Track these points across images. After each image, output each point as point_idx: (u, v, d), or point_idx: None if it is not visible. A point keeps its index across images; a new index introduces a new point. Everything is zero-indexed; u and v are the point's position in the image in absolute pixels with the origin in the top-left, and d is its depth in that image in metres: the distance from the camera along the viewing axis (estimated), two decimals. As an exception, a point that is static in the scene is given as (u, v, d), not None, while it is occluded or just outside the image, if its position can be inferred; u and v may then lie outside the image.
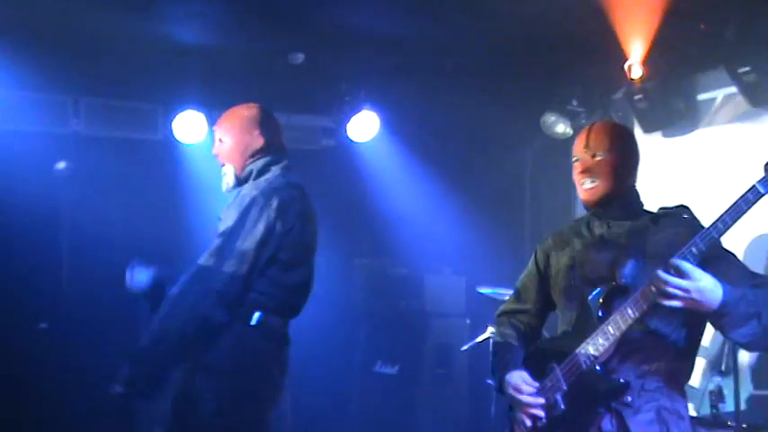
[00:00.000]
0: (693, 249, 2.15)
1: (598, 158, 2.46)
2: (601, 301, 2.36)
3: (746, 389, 3.62)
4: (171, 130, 5.55)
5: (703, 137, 4.89)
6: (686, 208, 2.49)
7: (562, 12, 4.43)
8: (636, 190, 2.54)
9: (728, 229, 2.15)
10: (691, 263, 2.12)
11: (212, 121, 5.58)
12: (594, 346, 2.32)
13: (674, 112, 4.86)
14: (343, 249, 5.71)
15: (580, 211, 5.73)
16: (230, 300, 2.91)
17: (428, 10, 4.58)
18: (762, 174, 2.13)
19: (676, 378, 2.38)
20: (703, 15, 4.31)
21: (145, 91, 5.54)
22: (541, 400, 2.41)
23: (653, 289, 2.16)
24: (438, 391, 5.61)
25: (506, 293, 4.41)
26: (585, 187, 2.48)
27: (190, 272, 2.94)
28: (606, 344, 2.29)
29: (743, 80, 4.33)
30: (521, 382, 2.47)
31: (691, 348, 2.40)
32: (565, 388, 2.39)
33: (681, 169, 4.91)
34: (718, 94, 4.74)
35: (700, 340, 2.43)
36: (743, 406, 3.45)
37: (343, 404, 5.72)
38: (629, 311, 2.25)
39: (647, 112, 4.88)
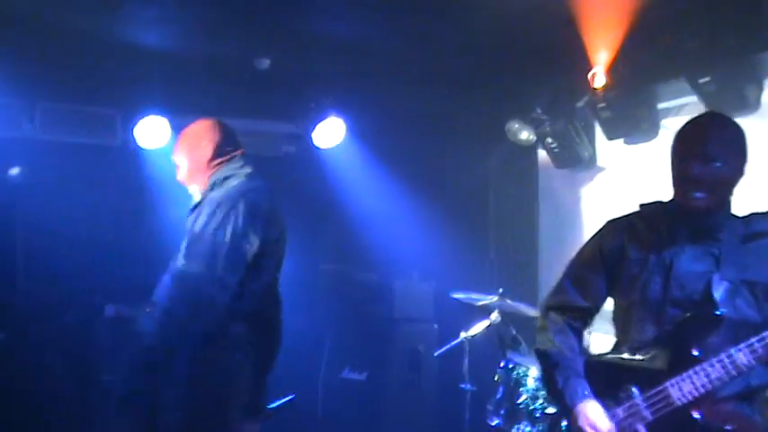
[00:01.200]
0: None
1: (716, 166, 2.22)
2: (694, 333, 2.19)
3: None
4: (130, 136, 5.43)
5: (664, 144, 4.98)
6: None
7: (528, 20, 4.48)
8: (731, 200, 2.34)
9: None
10: None
11: (175, 126, 5.51)
12: (693, 386, 2.15)
13: (636, 121, 4.94)
14: (310, 256, 5.68)
15: (543, 217, 5.86)
16: (220, 306, 2.94)
17: (395, 17, 4.59)
18: None
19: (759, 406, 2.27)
20: (666, 26, 4.40)
21: (104, 96, 5.43)
22: None
23: None
24: (407, 396, 5.60)
25: (479, 299, 4.45)
26: (693, 196, 2.24)
27: (173, 281, 2.95)
28: (707, 387, 2.15)
29: (703, 90, 4.43)
30: (598, 419, 2.26)
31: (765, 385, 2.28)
32: (650, 419, 2.24)
33: (642, 175, 5.00)
34: (680, 103, 4.84)
35: None
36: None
37: (310, 411, 5.67)
38: (744, 360, 2.10)
39: (610, 120, 4.96)
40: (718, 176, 2.23)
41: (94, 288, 5.23)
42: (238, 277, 2.96)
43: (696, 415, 2.16)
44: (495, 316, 4.38)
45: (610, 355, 2.42)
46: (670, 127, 4.94)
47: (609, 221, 2.51)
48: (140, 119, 5.36)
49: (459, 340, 4.53)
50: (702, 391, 2.15)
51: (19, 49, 4.72)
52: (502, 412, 4.02)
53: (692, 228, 2.29)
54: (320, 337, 5.83)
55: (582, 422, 2.28)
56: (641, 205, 2.47)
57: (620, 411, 2.28)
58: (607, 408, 2.29)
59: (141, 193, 5.54)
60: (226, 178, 3.14)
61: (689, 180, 2.25)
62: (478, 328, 4.49)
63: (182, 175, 3.26)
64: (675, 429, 2.19)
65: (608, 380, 2.30)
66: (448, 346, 4.63)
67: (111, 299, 5.24)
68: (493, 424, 4.07)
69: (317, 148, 5.71)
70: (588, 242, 2.51)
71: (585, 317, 2.48)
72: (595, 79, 4.73)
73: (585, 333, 2.52)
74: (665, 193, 4.80)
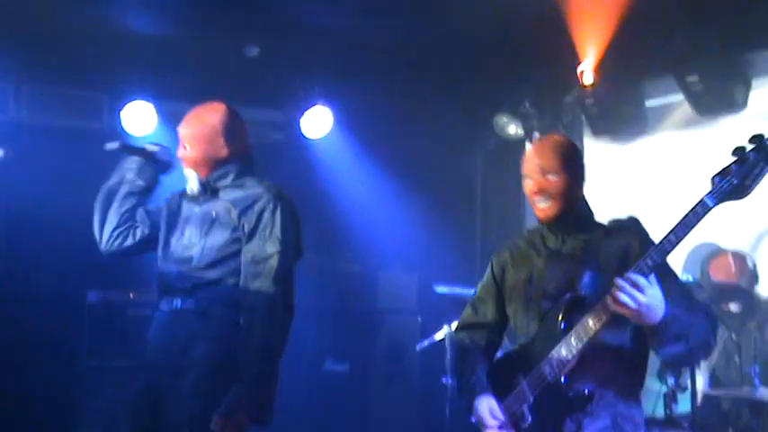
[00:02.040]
0: (649, 262, 2.24)
1: (550, 178, 2.52)
2: (562, 313, 2.44)
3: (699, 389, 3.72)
4: (117, 120, 5.39)
5: (651, 143, 5.02)
6: (636, 220, 2.60)
7: (517, 14, 4.48)
8: (587, 203, 2.63)
9: (680, 241, 2.25)
10: (646, 276, 2.22)
11: (161, 112, 5.47)
12: (558, 359, 2.39)
13: (624, 118, 4.97)
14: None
15: (530, 211, 5.87)
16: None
17: (385, 8, 4.58)
18: (709, 186, 2.23)
19: (631, 385, 2.49)
20: (654, 24, 4.41)
21: (90, 79, 5.38)
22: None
23: (609, 298, 2.24)
24: (389, 388, 5.61)
25: (463, 292, 4.45)
26: (540, 206, 2.56)
27: (261, 292, 2.92)
28: (569, 355, 2.37)
29: (690, 88, 4.46)
30: (488, 413, 2.52)
31: (643, 357, 2.50)
32: (531, 400, 2.46)
33: (628, 174, 5.03)
34: (666, 102, 4.86)
35: (649, 350, 2.50)
36: (690, 406, 3.57)
37: (292, 402, 5.64)
38: (591, 323, 2.33)
39: (597, 116, 4.99)
40: (554, 184, 2.52)
41: (78, 273, 5.19)
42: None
43: (562, 380, 2.39)
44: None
45: (505, 354, 2.73)
46: (658, 125, 4.98)
47: (499, 250, 2.85)
48: (126, 103, 5.32)
49: (440, 335, 4.54)
50: (568, 359, 2.38)
51: (4, 31, 4.67)
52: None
53: (557, 233, 2.59)
54: (303, 328, 5.79)
55: (477, 415, 2.56)
56: (527, 230, 2.82)
57: (510, 399, 2.53)
58: (501, 400, 2.55)
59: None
60: (238, 177, 3.07)
61: (532, 193, 2.57)
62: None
63: (186, 157, 3.10)
64: (551, 402, 2.42)
65: (504, 375, 2.58)
66: (429, 340, 4.64)
67: (95, 284, 5.21)
68: (474, 419, 4.08)
69: (305, 136, 5.70)
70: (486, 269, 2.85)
71: (488, 332, 2.76)
72: (583, 76, 4.74)
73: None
74: (650, 189, 4.85)
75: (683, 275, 2.68)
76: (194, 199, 3.13)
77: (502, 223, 6.09)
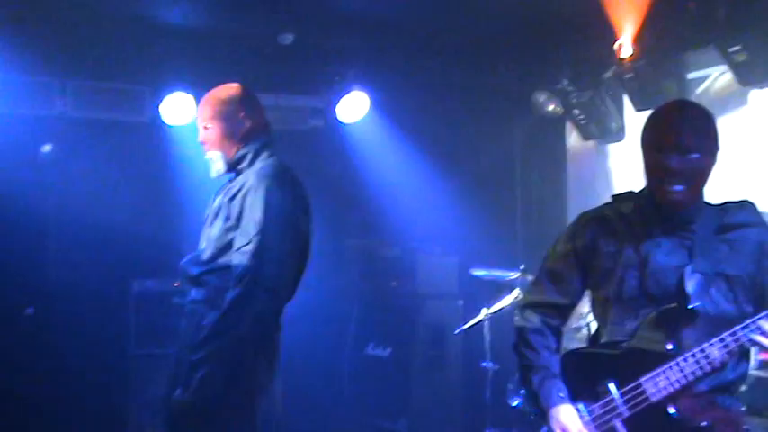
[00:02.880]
0: None
1: (692, 158, 2.16)
2: (669, 329, 2.17)
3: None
4: (158, 112, 5.49)
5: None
6: (753, 206, 2.28)
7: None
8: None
9: None
10: None
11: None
12: (668, 381, 2.14)
13: (665, 91, 4.83)
14: (333, 231, 5.68)
15: (571, 190, 5.78)
16: (281, 297, 2.95)
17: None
18: None
19: (738, 415, 2.28)
20: (693, -6, 4.28)
21: (132, 73, 5.47)
22: None
23: (758, 337, 2.01)
24: (431, 372, 5.56)
25: (501, 275, 4.39)
26: (672, 190, 2.17)
27: (237, 275, 2.87)
28: (682, 382, 2.13)
29: (733, 59, 4.31)
30: (570, 422, 2.24)
31: (744, 371, 2.29)
32: (626, 415, 2.21)
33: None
34: (709, 73, 4.72)
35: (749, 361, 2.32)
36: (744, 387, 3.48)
37: (335, 387, 5.71)
38: (717, 355, 2.08)
39: (638, 90, 4.86)
40: (696, 168, 2.18)
41: (122, 263, 5.32)
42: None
43: (672, 410, 2.14)
44: (516, 293, 4.32)
45: (588, 350, 2.41)
46: (701, 97, 4.84)
47: (581, 215, 2.46)
48: (166, 94, 5.40)
49: (479, 318, 4.49)
50: (677, 386, 2.13)
51: (49, 28, 4.79)
52: (522, 392, 3.97)
53: (666, 220, 2.25)
54: (345, 313, 5.84)
55: (554, 426, 2.28)
56: (614, 196, 2.42)
57: (597, 407, 2.26)
58: (585, 404, 2.28)
59: (169, 169, 5.60)
60: (257, 154, 3.05)
61: (667, 172, 2.18)
62: (501, 304, 4.44)
63: (208, 138, 3.09)
64: (652, 425, 2.17)
65: (586, 375, 2.28)
66: (467, 324, 4.59)
67: (139, 274, 5.33)
68: (513, 404, 4.04)
69: (342, 122, 5.71)
70: (561, 236, 2.46)
71: (563, 313, 2.44)
72: (622, 50, 4.63)
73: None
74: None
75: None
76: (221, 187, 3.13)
77: (542, 204, 6.00)
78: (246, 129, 3.07)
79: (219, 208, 3.03)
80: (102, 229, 5.23)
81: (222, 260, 2.97)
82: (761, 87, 4.37)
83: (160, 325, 5.06)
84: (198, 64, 5.28)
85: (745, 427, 2.27)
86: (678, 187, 2.17)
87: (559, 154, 5.80)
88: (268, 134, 3.16)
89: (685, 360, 2.11)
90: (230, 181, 3.11)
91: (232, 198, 2.98)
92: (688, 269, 2.16)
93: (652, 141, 2.22)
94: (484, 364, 4.56)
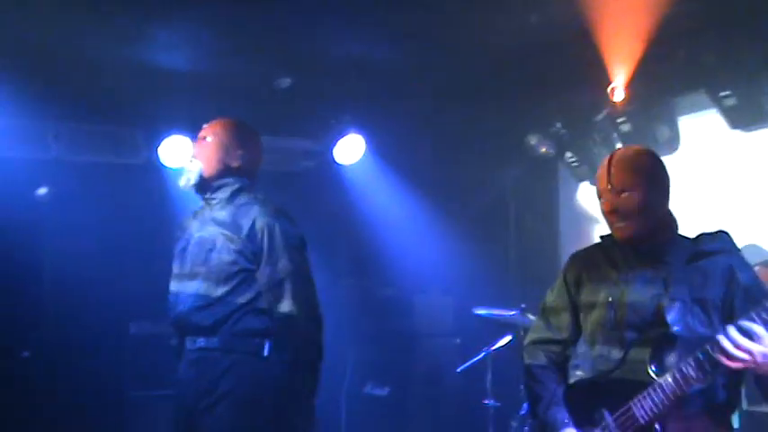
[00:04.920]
0: (764, 315, 2.07)
1: (624, 197, 2.34)
2: (651, 353, 2.27)
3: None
4: (153, 154, 5.51)
5: (685, 158, 4.99)
6: (726, 234, 2.40)
7: (546, 35, 4.50)
8: (671, 215, 2.44)
9: None
10: (758, 323, 2.07)
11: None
12: (653, 403, 2.23)
13: (656, 134, 4.95)
14: (329, 271, 5.68)
15: (564, 231, 5.86)
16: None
17: (412, 35, 4.63)
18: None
19: (724, 425, 2.34)
20: (684, 40, 4.41)
21: (126, 115, 5.51)
22: None
23: (718, 351, 2.10)
24: (430, 412, 5.57)
25: (502, 313, 4.45)
26: (617, 226, 2.38)
27: (289, 312, 2.93)
28: (665, 402, 2.21)
29: (723, 103, 4.44)
30: None
31: (732, 398, 2.35)
32: None
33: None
34: (699, 117, 4.84)
35: (740, 388, 2.40)
36: (737, 423, 3.53)
37: (333, 428, 5.67)
38: (692, 373, 2.16)
39: (630, 133, 4.97)
40: (630, 204, 2.35)
41: (119, 305, 5.28)
42: None
43: (657, 427, 2.24)
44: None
45: (583, 381, 2.52)
46: (689, 140, 4.96)
47: (572, 254, 2.65)
48: (163, 137, 5.44)
49: (481, 356, 4.53)
50: (661, 407, 2.22)
51: (43, 72, 4.81)
52: (526, 429, 4.00)
53: (640, 254, 2.40)
54: (342, 353, 5.83)
55: None
56: (601, 237, 2.58)
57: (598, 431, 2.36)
58: (585, 430, 2.38)
59: (165, 210, 5.59)
60: (237, 193, 3.06)
61: (607, 213, 2.40)
62: (501, 343, 4.47)
63: (201, 147, 3.13)
64: None
65: (583, 405, 2.41)
66: (470, 362, 4.62)
67: (136, 316, 5.29)
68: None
69: (338, 163, 5.76)
70: (557, 278, 2.64)
71: (563, 348, 2.58)
72: (614, 94, 4.74)
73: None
74: (687, 205, 4.81)
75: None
76: (191, 225, 3.12)
77: (536, 244, 6.06)
78: (238, 164, 3.08)
79: (214, 240, 2.96)
80: (98, 271, 5.21)
81: (232, 301, 2.92)
82: (750, 130, 4.49)
83: (157, 367, 5.01)
84: (193, 107, 5.30)
85: None
86: (620, 224, 2.36)
87: (552, 195, 5.89)
88: (253, 180, 3.16)
89: (666, 381, 2.22)
90: (204, 211, 3.09)
91: (246, 232, 2.94)
92: (666, 298, 2.29)
93: (596, 190, 2.47)
94: (486, 401, 4.57)
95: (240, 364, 2.90)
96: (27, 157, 5.40)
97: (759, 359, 2.06)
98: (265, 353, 2.91)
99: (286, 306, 2.90)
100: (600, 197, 2.42)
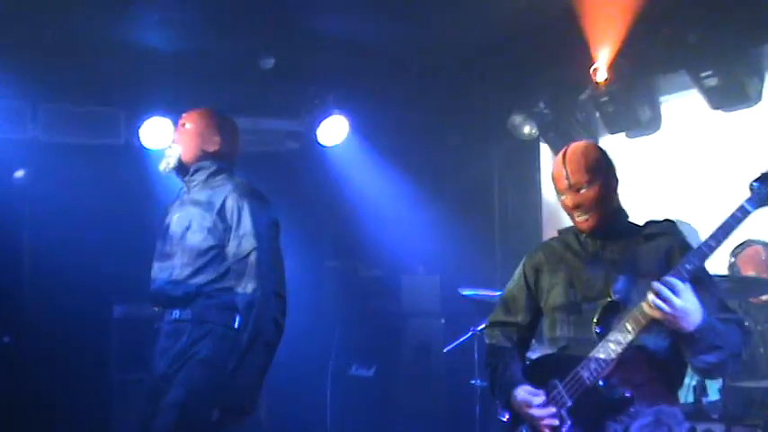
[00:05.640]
0: (687, 266, 2.27)
1: (583, 192, 2.54)
2: (597, 317, 2.44)
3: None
4: (134, 135, 5.45)
5: (666, 138, 5.03)
6: (672, 223, 2.60)
7: (529, 15, 4.51)
8: (621, 206, 2.64)
9: (719, 245, 2.27)
10: (683, 280, 2.24)
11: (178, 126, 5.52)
12: (596, 363, 2.40)
13: (638, 114, 4.98)
14: (313, 253, 5.70)
15: (546, 210, 5.89)
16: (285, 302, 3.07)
17: (396, 15, 4.62)
18: (746, 191, 2.27)
19: (671, 385, 2.50)
20: (667, 20, 4.43)
21: (107, 95, 5.44)
22: (553, 410, 2.47)
23: (646, 302, 2.26)
24: (416, 392, 5.60)
25: (487, 294, 4.48)
26: (579, 220, 2.57)
27: (248, 284, 2.99)
28: (608, 359, 2.38)
29: (704, 84, 4.47)
30: (529, 396, 2.52)
31: (680, 358, 2.47)
32: (570, 404, 2.46)
33: (644, 171, 5.04)
34: (680, 97, 4.87)
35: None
36: (720, 397, 3.61)
37: (319, 409, 5.69)
38: (629, 327, 2.35)
39: (612, 114, 5.00)
40: (589, 198, 2.55)
41: (101, 289, 5.24)
42: None
43: (600, 383, 2.39)
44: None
45: (538, 358, 2.71)
46: (670, 119, 5.00)
47: (532, 249, 2.84)
48: (144, 118, 5.37)
49: (468, 335, 4.56)
50: (604, 365, 2.38)
51: (22, 51, 4.73)
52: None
53: (594, 239, 2.60)
54: (327, 335, 5.84)
55: (517, 404, 2.55)
56: (559, 231, 2.80)
57: (548, 401, 2.51)
58: (540, 405, 2.52)
59: (145, 192, 5.54)
60: (215, 174, 3.21)
61: (570, 209, 2.59)
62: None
63: (181, 133, 3.29)
64: (590, 406, 2.42)
65: (539, 379, 2.56)
66: (457, 342, 4.66)
67: (119, 299, 5.25)
68: (504, 419, 4.09)
69: (321, 144, 5.74)
70: (517, 268, 2.83)
71: (520, 331, 2.78)
72: (597, 74, 4.76)
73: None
74: (667, 185, 4.85)
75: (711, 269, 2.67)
76: (173, 207, 3.25)
77: (519, 224, 6.10)
78: (215, 149, 3.25)
79: (189, 224, 3.10)
80: (80, 253, 5.15)
81: (206, 275, 3.04)
82: (731, 111, 4.54)
83: (142, 350, 4.98)
84: (176, 87, 5.27)
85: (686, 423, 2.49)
86: (583, 217, 2.57)
87: (534, 176, 5.92)
88: (230, 164, 3.30)
89: (608, 340, 2.39)
90: (184, 193, 3.25)
91: (217, 210, 3.07)
92: (613, 274, 2.50)
93: (553, 187, 2.68)
94: (473, 381, 4.61)
95: (212, 334, 3.01)
96: (4, 137, 5.30)
97: (678, 313, 2.21)
98: (236, 325, 3.02)
99: (247, 283, 2.99)
100: (560, 194, 2.62)
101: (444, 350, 4.84)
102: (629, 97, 4.93)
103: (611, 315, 2.42)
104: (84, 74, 5.12)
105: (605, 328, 2.42)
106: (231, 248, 3.03)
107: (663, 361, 2.44)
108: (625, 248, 2.54)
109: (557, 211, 5.77)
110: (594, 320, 2.44)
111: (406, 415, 5.59)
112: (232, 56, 5.08)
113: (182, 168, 3.25)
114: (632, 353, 2.38)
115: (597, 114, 5.17)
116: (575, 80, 5.11)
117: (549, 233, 5.75)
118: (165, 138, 5.38)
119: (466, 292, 4.57)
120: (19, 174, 5.49)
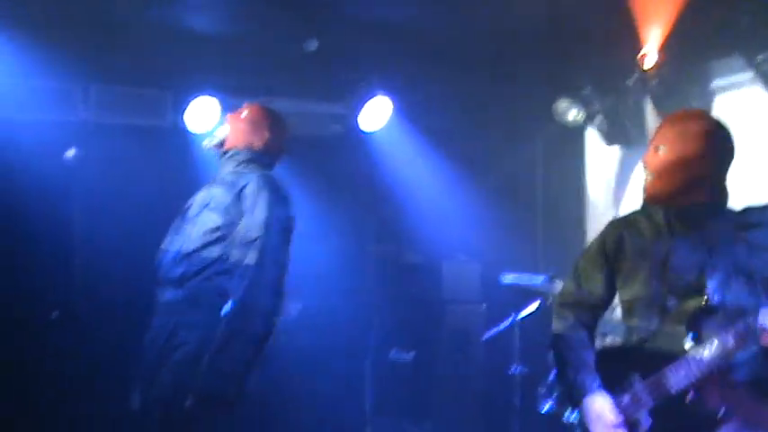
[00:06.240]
0: None
1: (659, 153, 2.35)
2: (690, 322, 2.25)
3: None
4: (180, 117, 5.50)
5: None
6: None
7: (577, -2, 4.41)
8: (717, 187, 2.37)
9: None
10: None
11: (225, 106, 5.57)
12: (687, 373, 2.21)
13: (688, 98, 4.86)
14: (356, 237, 5.70)
15: (593, 197, 5.79)
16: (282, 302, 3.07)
17: (442, -2, 4.57)
18: None
19: (762, 407, 2.30)
20: (721, 1, 4.29)
21: (155, 77, 5.50)
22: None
23: (760, 324, 2.07)
24: (455, 378, 5.58)
25: (530, 281, 4.42)
26: (644, 183, 2.40)
27: (243, 269, 2.99)
28: (701, 374, 2.19)
29: (760, 67, 4.34)
30: (604, 411, 2.34)
31: None
32: (651, 405, 2.30)
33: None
34: (735, 81, 4.73)
35: None
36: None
37: (358, 392, 5.71)
38: (731, 344, 2.14)
39: (662, 97, 4.88)
40: (662, 161, 2.35)
41: (147, 270, 5.31)
42: None
43: (690, 397, 2.21)
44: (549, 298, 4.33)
45: (616, 347, 2.57)
46: (724, 104, 4.86)
47: (612, 219, 2.64)
48: (191, 100, 5.42)
49: (508, 323, 4.52)
50: (695, 378, 2.19)
51: (72, 33, 4.81)
52: (555, 395, 3.99)
53: (686, 221, 2.35)
54: (368, 319, 5.85)
55: (590, 414, 2.37)
56: (642, 206, 2.55)
57: (625, 398, 2.35)
58: (614, 395, 2.37)
59: (191, 174, 5.59)
60: (248, 163, 3.30)
61: (642, 166, 2.42)
62: (529, 310, 4.46)
63: (237, 118, 3.40)
64: (674, 413, 2.25)
65: (615, 370, 2.39)
66: (497, 329, 4.61)
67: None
68: (544, 409, 4.05)
69: (365, 128, 5.72)
70: (593, 240, 2.60)
71: (594, 311, 2.56)
72: (646, 59, 4.64)
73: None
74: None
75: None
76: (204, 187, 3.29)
77: (563, 210, 6.02)
78: (259, 145, 3.36)
79: (212, 198, 3.16)
80: (127, 235, 5.24)
81: (204, 257, 3.07)
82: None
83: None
84: (222, 69, 5.32)
85: None
86: (647, 179, 2.38)
87: (580, 160, 5.82)
88: (270, 159, 3.39)
89: (704, 350, 2.18)
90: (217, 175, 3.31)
91: (237, 192, 3.12)
92: (708, 266, 2.26)
93: None
94: (513, 369, 4.57)
95: (207, 317, 3.00)
96: (55, 119, 5.40)
97: None
98: (226, 311, 2.99)
99: (244, 271, 2.97)
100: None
101: (483, 338, 4.80)
102: (679, 80, 4.80)
103: (706, 321, 2.22)
104: (132, 55, 5.19)
105: (698, 336, 2.22)
106: (240, 231, 3.05)
107: (756, 376, 2.25)
108: (721, 236, 2.29)
109: (603, 197, 5.69)
110: (686, 325, 2.23)
111: (444, 401, 5.57)
112: (276, 37, 5.08)
113: (222, 149, 3.37)
114: (729, 367, 2.21)
115: (647, 98, 5.06)
116: (622, 63, 4.99)
117: (593, 221, 5.69)
118: (210, 121, 5.43)
119: (507, 280, 4.51)
120: (69, 154, 5.58)
